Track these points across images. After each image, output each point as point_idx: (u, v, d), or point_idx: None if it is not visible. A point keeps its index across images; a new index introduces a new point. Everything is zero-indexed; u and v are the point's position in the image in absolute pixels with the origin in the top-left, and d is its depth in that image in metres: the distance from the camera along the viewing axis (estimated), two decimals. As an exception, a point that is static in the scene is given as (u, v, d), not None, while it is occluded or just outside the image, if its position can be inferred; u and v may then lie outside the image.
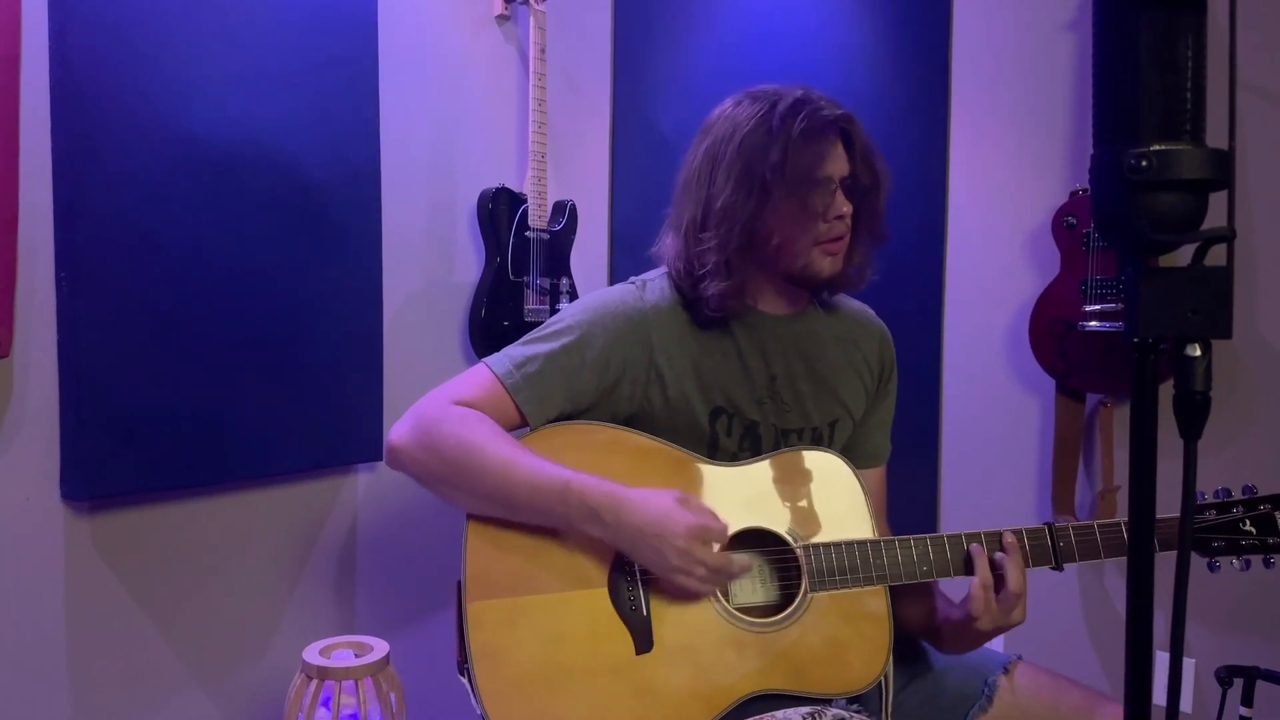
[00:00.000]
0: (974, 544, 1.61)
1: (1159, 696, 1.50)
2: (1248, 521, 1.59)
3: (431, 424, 1.59)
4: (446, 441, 1.57)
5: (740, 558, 1.54)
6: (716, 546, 1.53)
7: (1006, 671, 1.68)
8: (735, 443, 1.73)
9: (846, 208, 1.67)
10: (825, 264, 1.69)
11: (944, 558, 1.62)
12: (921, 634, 1.75)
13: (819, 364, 1.80)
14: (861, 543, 1.62)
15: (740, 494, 1.66)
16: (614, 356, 1.67)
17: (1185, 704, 2.57)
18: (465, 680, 1.55)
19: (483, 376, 1.65)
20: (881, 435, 1.92)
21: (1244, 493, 1.61)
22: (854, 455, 1.84)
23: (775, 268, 1.72)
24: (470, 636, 1.53)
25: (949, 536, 1.63)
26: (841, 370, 1.82)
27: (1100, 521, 1.63)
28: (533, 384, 1.64)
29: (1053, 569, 1.64)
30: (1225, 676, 2.01)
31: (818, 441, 1.79)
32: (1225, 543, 1.60)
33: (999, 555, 1.59)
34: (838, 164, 1.66)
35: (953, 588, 1.67)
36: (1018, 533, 1.62)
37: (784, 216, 1.65)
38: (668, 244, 1.78)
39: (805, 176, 1.63)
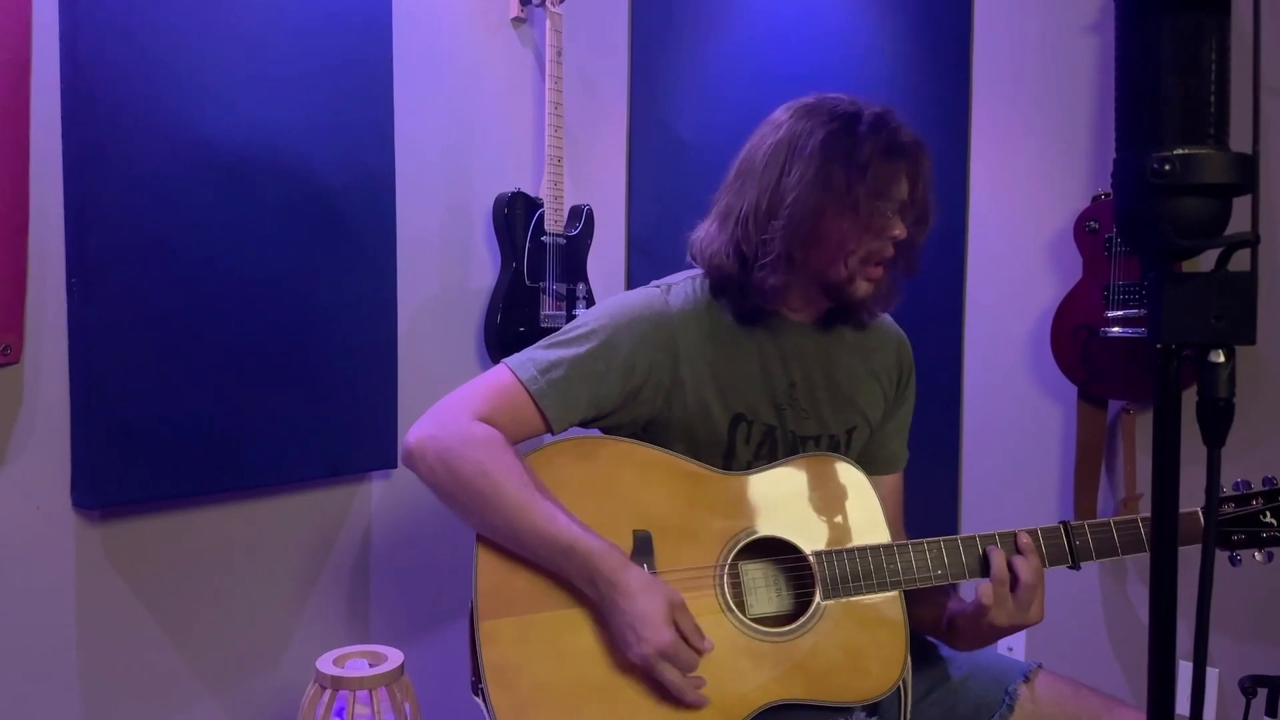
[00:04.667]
0: (990, 545, 1.61)
1: (1182, 706, 1.48)
2: (1269, 513, 1.60)
3: (454, 441, 1.58)
4: (465, 465, 1.56)
5: (692, 693, 1.50)
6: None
7: (1027, 680, 1.67)
8: (751, 450, 1.73)
9: (900, 230, 1.65)
10: (864, 286, 1.67)
11: (958, 560, 1.62)
12: (934, 632, 1.75)
13: (837, 372, 1.79)
14: (875, 548, 1.62)
15: (751, 502, 1.66)
16: (639, 361, 1.66)
17: (1208, 714, 2.54)
18: (479, 700, 1.54)
19: (506, 381, 1.64)
20: (899, 441, 1.91)
21: (1264, 484, 1.61)
22: (871, 461, 1.84)
23: (818, 274, 1.68)
24: (483, 655, 1.52)
25: (963, 539, 1.63)
26: (860, 378, 1.81)
27: (1117, 519, 1.63)
28: (558, 389, 1.63)
29: (1070, 568, 1.64)
30: (1249, 686, 1.99)
31: (834, 450, 1.77)
32: (1246, 535, 1.61)
33: (1015, 558, 1.58)
34: (904, 188, 1.65)
35: (967, 588, 1.66)
36: (1033, 532, 1.62)
37: (849, 220, 1.62)
38: (710, 231, 1.73)
39: (880, 188, 1.62)
